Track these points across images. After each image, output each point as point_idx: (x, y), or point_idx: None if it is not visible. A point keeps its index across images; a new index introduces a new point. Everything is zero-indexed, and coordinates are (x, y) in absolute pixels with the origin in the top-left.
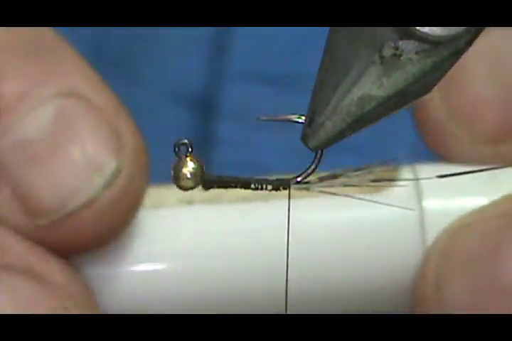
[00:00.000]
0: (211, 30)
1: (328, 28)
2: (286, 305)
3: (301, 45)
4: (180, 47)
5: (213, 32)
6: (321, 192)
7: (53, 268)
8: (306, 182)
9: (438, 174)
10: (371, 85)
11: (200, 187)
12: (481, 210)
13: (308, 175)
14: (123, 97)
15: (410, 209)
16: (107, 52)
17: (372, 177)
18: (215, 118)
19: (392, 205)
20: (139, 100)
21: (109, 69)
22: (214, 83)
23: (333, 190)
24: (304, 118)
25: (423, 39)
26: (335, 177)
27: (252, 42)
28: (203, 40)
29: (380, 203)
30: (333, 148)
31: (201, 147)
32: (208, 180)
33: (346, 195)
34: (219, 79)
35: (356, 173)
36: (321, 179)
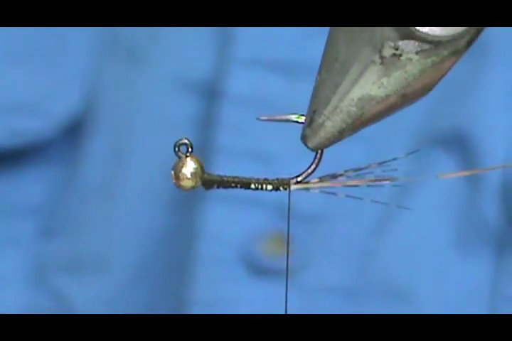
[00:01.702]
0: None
1: (328, 28)
2: (286, 305)
3: (310, 32)
4: (188, 34)
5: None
6: (321, 192)
7: None
8: (306, 182)
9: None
10: (371, 85)
11: (200, 186)
12: None
13: (309, 175)
14: (130, 80)
15: (407, 209)
16: (116, 36)
17: (372, 177)
18: (221, 104)
19: (389, 204)
20: (146, 84)
21: (118, 52)
22: (221, 69)
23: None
24: (303, 118)
25: (423, 39)
26: (335, 177)
27: (260, 29)
28: (212, 29)
29: (379, 202)
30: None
31: (207, 134)
32: (208, 180)
33: (347, 196)
34: (226, 65)
35: (356, 173)
36: (321, 179)
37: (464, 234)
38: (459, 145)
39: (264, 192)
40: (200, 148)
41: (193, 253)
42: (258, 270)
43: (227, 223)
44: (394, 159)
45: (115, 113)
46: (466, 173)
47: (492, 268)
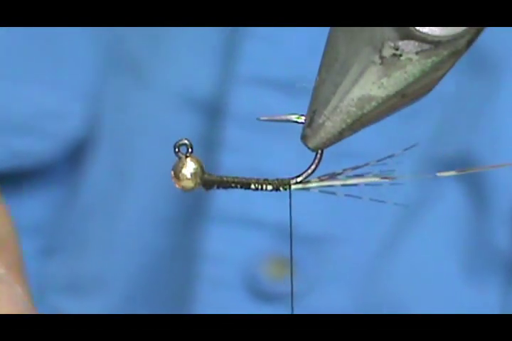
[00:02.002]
0: (223, 33)
1: (328, 28)
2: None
3: (314, 51)
4: (191, 51)
5: (225, 36)
6: (320, 192)
7: None
8: (306, 182)
9: None
10: (371, 85)
11: (200, 187)
12: None
13: (309, 175)
14: (133, 99)
15: (405, 206)
16: (119, 54)
17: (370, 175)
18: (224, 122)
19: (385, 202)
20: (148, 103)
21: (120, 71)
22: (224, 87)
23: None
24: (303, 118)
25: (423, 39)
26: (334, 176)
27: (264, 47)
28: (215, 44)
29: (377, 201)
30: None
31: (209, 151)
32: (208, 180)
33: (346, 195)
34: (229, 83)
35: (354, 172)
36: (321, 179)
37: (472, 259)
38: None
39: (266, 214)
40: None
41: (194, 275)
42: (260, 293)
43: (229, 244)
44: (391, 156)
45: (117, 133)
46: (464, 172)
47: (501, 294)
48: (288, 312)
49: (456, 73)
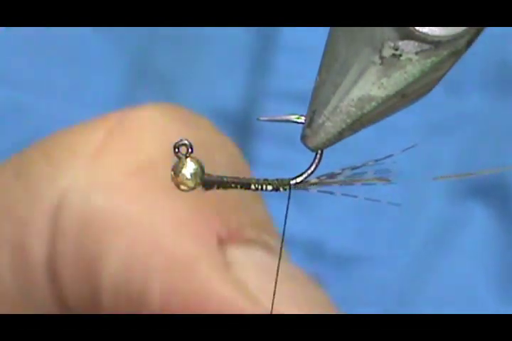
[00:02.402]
0: (252, 47)
1: (328, 28)
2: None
3: None
4: (222, 65)
5: (254, 50)
6: (319, 192)
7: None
8: (306, 182)
9: None
10: (371, 85)
11: (200, 187)
12: None
13: (309, 175)
14: (173, 81)
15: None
16: (146, 69)
17: (370, 175)
18: (254, 137)
19: (378, 201)
20: None
21: (148, 86)
22: (254, 102)
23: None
24: (303, 118)
25: (423, 39)
26: (333, 176)
27: (294, 61)
28: (244, 58)
29: (373, 200)
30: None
31: None
32: (207, 181)
33: (344, 194)
34: (259, 97)
35: (354, 172)
36: (320, 178)
37: (503, 282)
38: (497, 193)
39: (294, 232)
40: None
41: None
42: None
43: None
44: (389, 156)
45: None
46: (463, 176)
47: None
48: None
49: (485, 93)
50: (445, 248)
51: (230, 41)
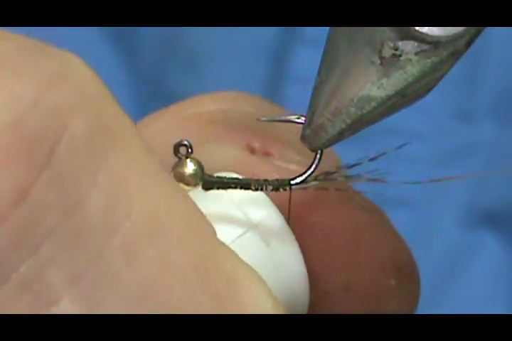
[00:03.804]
0: (273, 38)
1: (328, 28)
2: None
3: None
4: (243, 52)
5: (276, 37)
6: (315, 189)
7: None
8: (306, 182)
9: None
10: (371, 86)
11: (200, 187)
12: None
13: (309, 175)
14: (186, 97)
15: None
16: (176, 54)
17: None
18: None
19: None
20: None
21: (176, 69)
22: (275, 90)
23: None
24: (303, 118)
25: (422, 39)
26: (331, 175)
27: (314, 51)
28: (265, 48)
29: (368, 194)
30: None
31: None
32: (207, 181)
33: (336, 189)
34: (280, 86)
35: (352, 169)
36: (318, 178)
37: None
38: (509, 220)
39: None
40: None
41: None
42: None
43: None
44: (383, 154)
45: None
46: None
47: None
48: None
49: (496, 121)
50: (457, 275)
51: (254, 31)
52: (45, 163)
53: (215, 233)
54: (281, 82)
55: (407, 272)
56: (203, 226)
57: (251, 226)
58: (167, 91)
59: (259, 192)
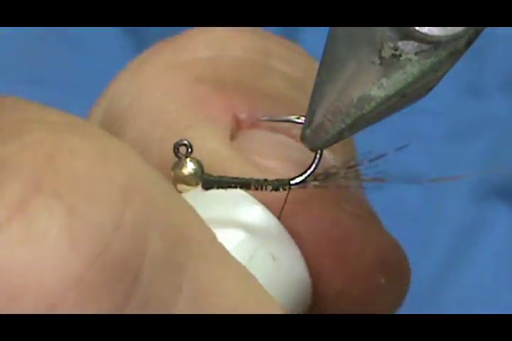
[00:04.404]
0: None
1: (328, 28)
2: None
3: None
4: None
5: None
6: (315, 187)
7: None
8: (305, 182)
9: None
10: (371, 86)
11: (200, 187)
12: None
13: (309, 175)
14: None
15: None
16: None
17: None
18: None
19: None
20: None
21: None
22: None
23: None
24: (303, 118)
25: (422, 39)
26: (330, 174)
27: (319, 40)
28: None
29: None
30: None
31: None
32: (207, 181)
33: (337, 186)
34: None
35: (349, 171)
36: (317, 177)
37: None
38: None
39: None
40: None
41: None
42: None
43: None
44: (382, 155)
45: None
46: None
47: None
48: None
49: (507, 95)
50: (469, 250)
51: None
52: (132, 292)
53: None
54: None
55: (395, 270)
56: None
57: (250, 231)
58: None
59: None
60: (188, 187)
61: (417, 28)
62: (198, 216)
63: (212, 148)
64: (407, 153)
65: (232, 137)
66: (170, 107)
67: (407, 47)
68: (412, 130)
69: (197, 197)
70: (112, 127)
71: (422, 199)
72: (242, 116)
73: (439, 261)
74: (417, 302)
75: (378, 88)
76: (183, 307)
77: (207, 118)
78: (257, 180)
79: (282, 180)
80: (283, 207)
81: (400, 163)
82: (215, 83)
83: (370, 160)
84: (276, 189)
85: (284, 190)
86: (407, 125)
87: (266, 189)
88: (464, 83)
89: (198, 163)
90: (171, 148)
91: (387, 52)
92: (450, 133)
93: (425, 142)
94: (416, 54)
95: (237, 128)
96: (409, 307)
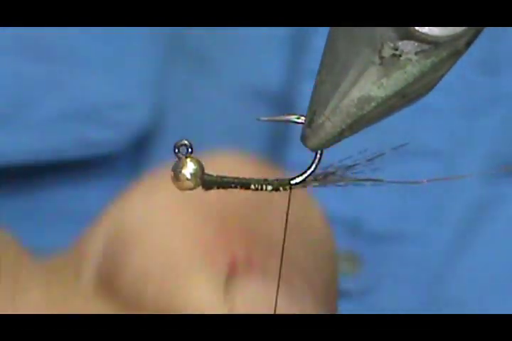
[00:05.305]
0: (291, 29)
1: (328, 28)
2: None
3: None
4: (259, 46)
5: (293, 31)
6: (314, 186)
7: None
8: (305, 182)
9: None
10: (371, 86)
11: (199, 187)
12: None
13: (309, 175)
14: (202, 96)
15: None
16: (186, 51)
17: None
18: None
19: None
20: (214, 93)
21: (183, 64)
22: (292, 80)
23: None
24: (303, 118)
25: (422, 39)
26: (329, 174)
27: None
28: (283, 39)
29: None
30: None
31: (276, 145)
32: (207, 181)
33: (335, 185)
34: (297, 76)
35: (348, 170)
36: (316, 177)
37: None
38: None
39: (335, 210)
40: (270, 161)
41: None
42: None
43: None
44: (381, 154)
45: (183, 123)
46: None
47: None
48: (355, 309)
49: None
50: (481, 225)
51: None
52: None
53: None
54: (297, 77)
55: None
56: None
57: None
58: (191, 51)
59: None
60: (188, 187)
61: (417, 28)
62: None
63: (206, 299)
64: (420, 129)
65: (227, 282)
66: (175, 249)
67: (407, 47)
68: (425, 106)
69: None
70: (116, 251)
71: (435, 175)
72: (240, 260)
73: (450, 237)
74: (430, 275)
75: (378, 88)
76: None
77: (206, 268)
78: (257, 180)
79: (282, 180)
80: (288, 206)
81: (413, 138)
82: (219, 225)
83: (369, 160)
84: (276, 189)
85: (285, 189)
86: (420, 101)
87: (266, 189)
88: (476, 60)
89: (198, 163)
90: (168, 292)
91: (387, 52)
92: (462, 109)
93: (437, 118)
94: (416, 54)
95: (232, 273)
96: (421, 278)
